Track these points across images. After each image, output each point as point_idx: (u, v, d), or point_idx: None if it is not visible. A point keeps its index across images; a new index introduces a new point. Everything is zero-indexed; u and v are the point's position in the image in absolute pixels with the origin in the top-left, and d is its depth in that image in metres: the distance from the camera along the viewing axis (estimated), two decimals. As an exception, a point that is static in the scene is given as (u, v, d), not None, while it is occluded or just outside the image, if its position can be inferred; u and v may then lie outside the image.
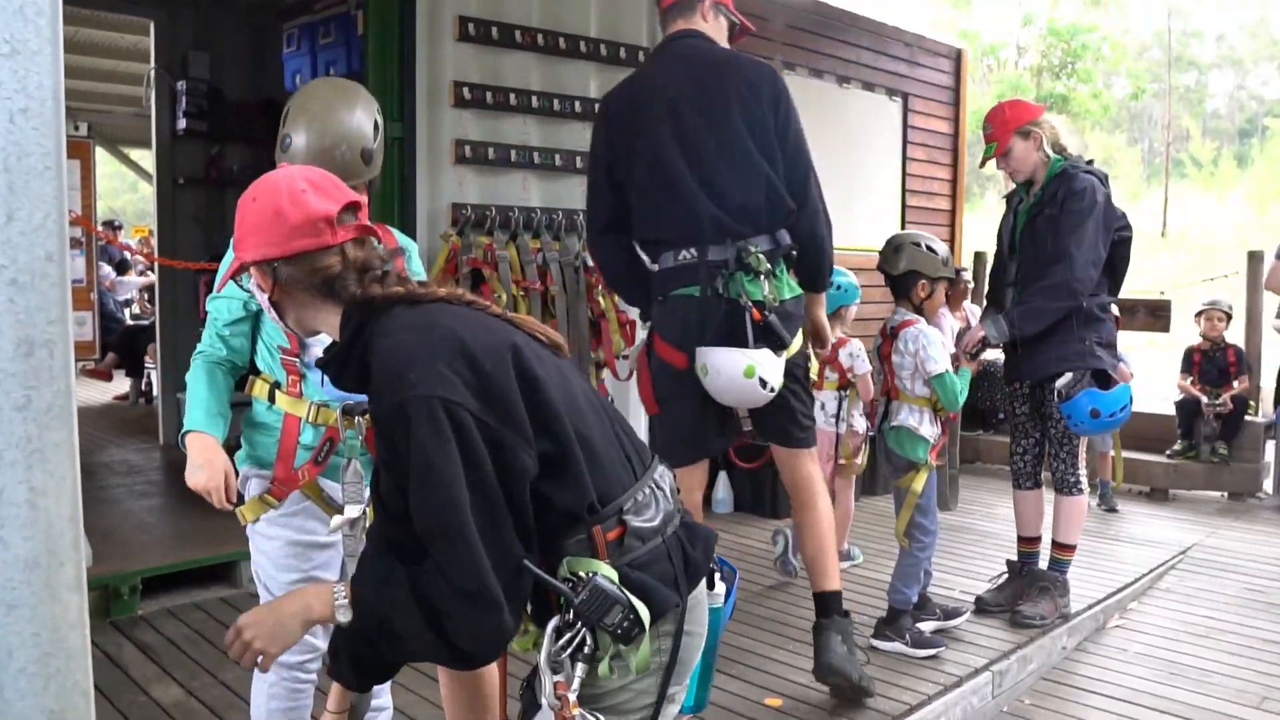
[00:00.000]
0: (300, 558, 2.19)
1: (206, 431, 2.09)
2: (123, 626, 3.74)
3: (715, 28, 3.26)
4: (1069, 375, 3.70)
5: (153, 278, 8.38)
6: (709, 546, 1.62)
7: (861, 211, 6.86)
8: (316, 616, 1.56)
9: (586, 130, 4.22)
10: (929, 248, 3.60)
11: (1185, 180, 29.36)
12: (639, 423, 4.41)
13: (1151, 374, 7.60)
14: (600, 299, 4.66)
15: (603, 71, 5.11)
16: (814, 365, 4.47)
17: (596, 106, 4.48)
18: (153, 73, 6.38)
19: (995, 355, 4.53)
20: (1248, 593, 4.57)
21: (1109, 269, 3.78)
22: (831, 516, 3.27)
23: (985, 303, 4.17)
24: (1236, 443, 6.33)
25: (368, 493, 1.91)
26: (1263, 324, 6.67)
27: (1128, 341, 6.55)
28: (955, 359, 3.65)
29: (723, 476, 5.65)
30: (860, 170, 6.84)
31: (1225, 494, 6.42)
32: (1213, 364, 6.45)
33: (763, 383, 2.97)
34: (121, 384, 8.83)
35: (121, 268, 10.96)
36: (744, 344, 2.96)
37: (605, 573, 1.45)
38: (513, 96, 4.63)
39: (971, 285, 6.62)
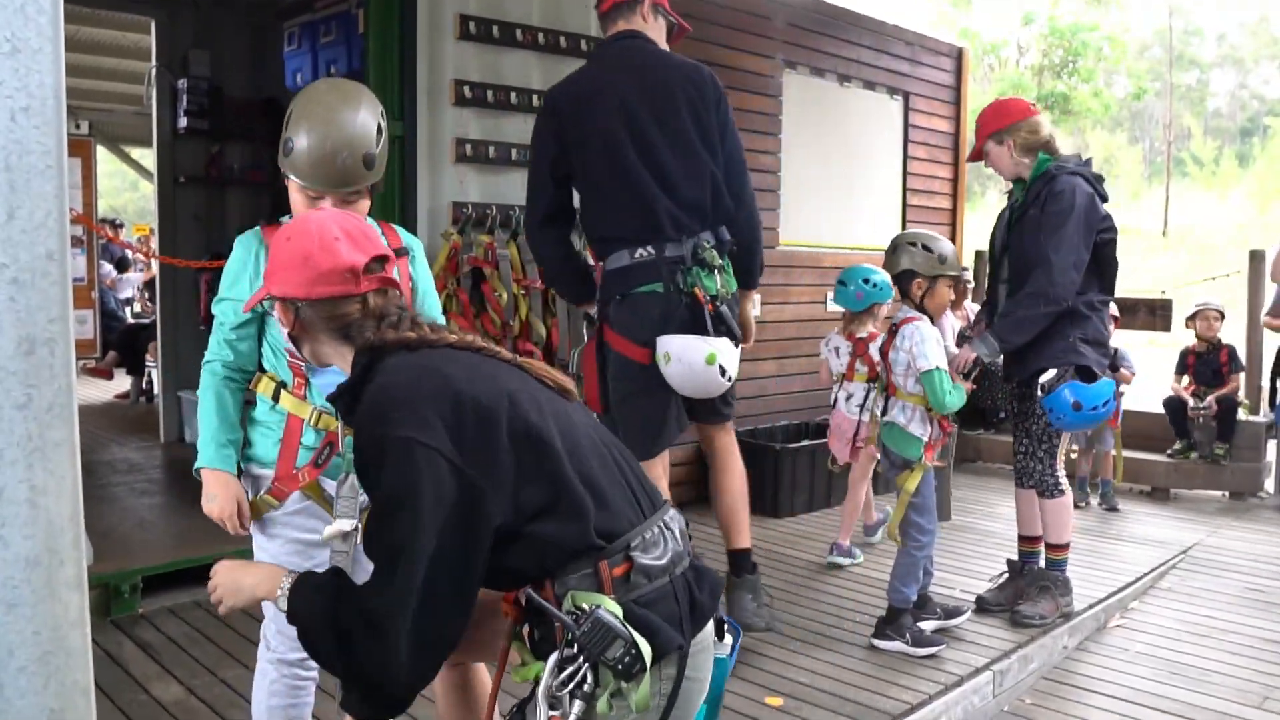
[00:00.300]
0: (302, 555, 2.19)
1: (218, 469, 2.14)
2: (123, 625, 3.74)
3: (655, 28, 3.36)
4: (1052, 371, 3.69)
5: (154, 271, 8.37)
6: (716, 591, 1.62)
7: (862, 210, 6.87)
8: (263, 594, 1.65)
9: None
10: (924, 246, 3.61)
11: (1186, 179, 29.34)
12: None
13: (1152, 373, 7.59)
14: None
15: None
16: (845, 359, 4.65)
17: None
18: (153, 71, 6.39)
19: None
20: (1249, 592, 4.57)
21: (1097, 270, 3.75)
22: (744, 481, 3.57)
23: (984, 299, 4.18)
24: (1236, 442, 6.33)
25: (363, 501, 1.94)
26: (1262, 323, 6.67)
27: (1128, 341, 6.57)
28: (950, 373, 3.64)
29: (723, 475, 5.64)
30: (861, 169, 6.84)
31: (1226, 493, 6.42)
32: (1206, 365, 6.45)
33: (722, 370, 3.13)
34: (122, 382, 8.83)
35: (121, 265, 10.97)
36: (704, 333, 3.11)
37: (609, 607, 1.45)
38: (513, 95, 4.62)
39: (972, 284, 6.62)
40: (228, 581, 1.74)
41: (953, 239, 7.51)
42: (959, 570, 4.55)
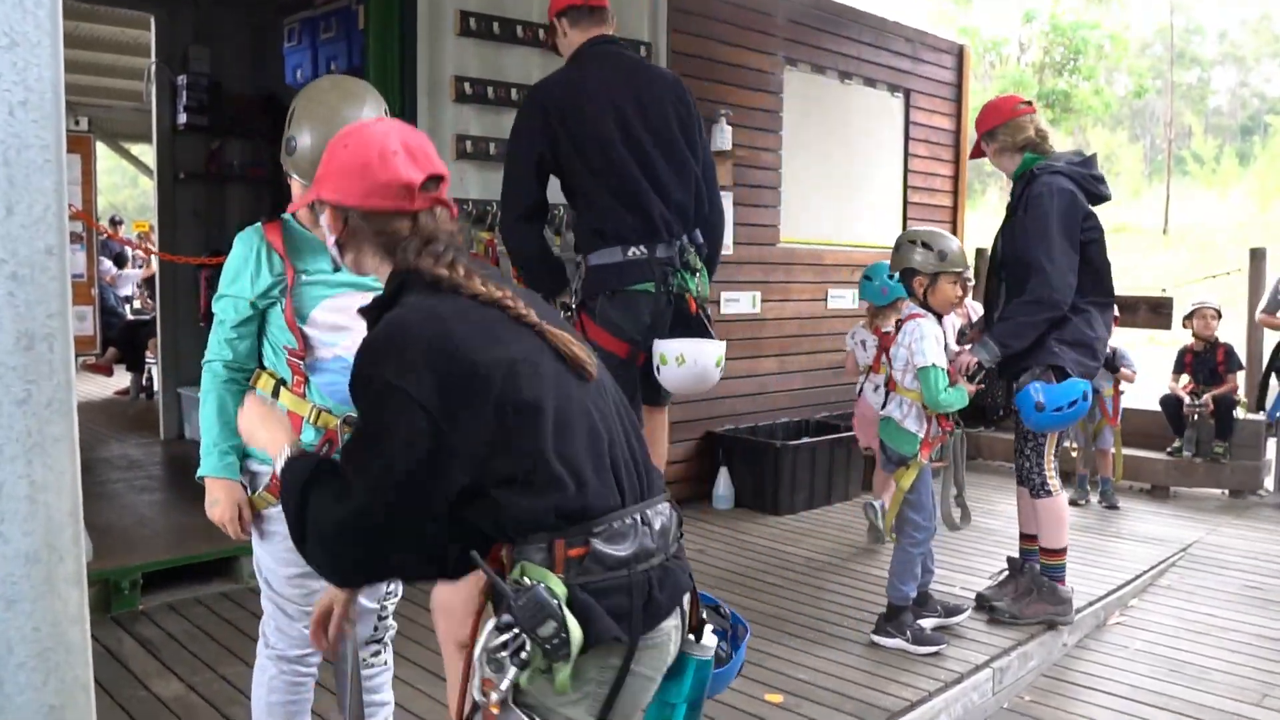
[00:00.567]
0: (299, 553, 2.19)
1: (220, 477, 2.16)
2: (123, 621, 3.74)
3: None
4: (1029, 371, 3.68)
5: (154, 268, 8.37)
6: (676, 593, 1.58)
7: (863, 208, 6.86)
8: (270, 453, 1.74)
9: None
10: (924, 244, 3.61)
11: (1187, 177, 29.33)
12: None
13: (1153, 372, 7.58)
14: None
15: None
16: (871, 351, 4.83)
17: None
18: (153, 67, 6.38)
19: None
20: (1248, 590, 4.57)
21: (1091, 271, 3.71)
22: (665, 458, 3.77)
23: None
24: (1235, 440, 6.33)
25: None
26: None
27: (1129, 339, 6.56)
28: (952, 374, 3.63)
29: (723, 473, 5.65)
30: (862, 167, 6.84)
31: (1226, 491, 6.42)
32: (1204, 364, 6.45)
33: (720, 369, 3.34)
34: (122, 379, 8.83)
35: (120, 261, 10.96)
36: (704, 335, 3.31)
37: (553, 586, 1.46)
38: (514, 92, 4.62)
39: (973, 282, 6.61)
40: (248, 422, 1.83)
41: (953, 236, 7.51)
42: (959, 568, 4.55)
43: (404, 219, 1.61)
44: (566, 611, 1.45)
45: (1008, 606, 3.86)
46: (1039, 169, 3.72)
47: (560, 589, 1.46)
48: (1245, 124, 35.29)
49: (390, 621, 2.38)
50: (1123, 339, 5.88)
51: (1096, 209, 3.76)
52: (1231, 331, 6.64)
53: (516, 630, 1.45)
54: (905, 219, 7.13)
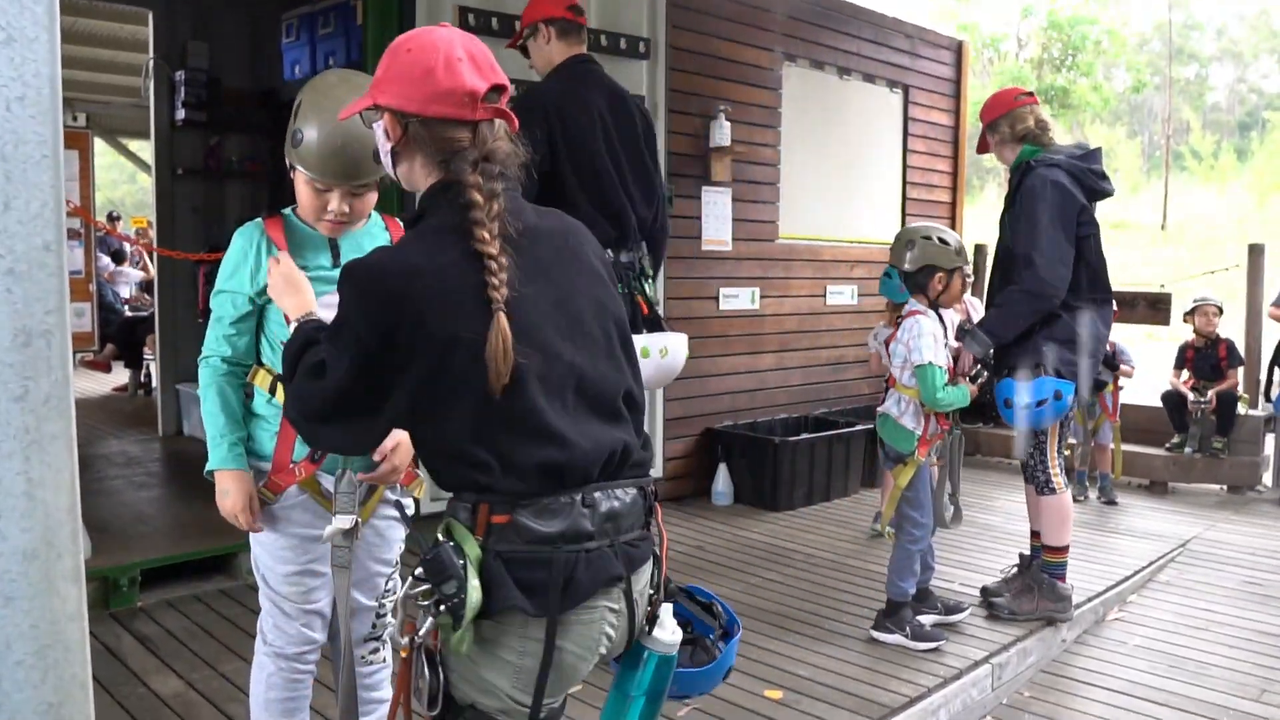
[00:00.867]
0: (297, 550, 2.18)
1: (230, 469, 2.14)
2: (122, 618, 3.74)
3: None
4: (1015, 369, 3.68)
5: (151, 273, 8.36)
6: (598, 576, 1.54)
7: (862, 204, 6.86)
8: (288, 311, 1.93)
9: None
10: (940, 239, 3.59)
11: (1185, 173, 29.36)
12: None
13: (1152, 367, 7.59)
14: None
15: (603, 62, 5.05)
16: (882, 346, 4.73)
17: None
18: (151, 63, 6.37)
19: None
20: (1247, 585, 4.57)
21: (1086, 268, 3.69)
22: None
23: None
24: (1234, 436, 6.34)
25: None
26: (1262, 317, 6.67)
27: (1128, 335, 6.57)
28: (952, 373, 3.63)
29: (722, 469, 5.65)
30: (861, 163, 6.84)
31: (1224, 487, 6.42)
32: (1205, 360, 6.45)
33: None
34: (120, 375, 8.82)
35: (118, 258, 10.95)
36: (657, 332, 3.53)
37: (466, 548, 1.49)
38: (513, 88, 4.60)
39: (972, 278, 6.61)
40: (276, 284, 1.98)
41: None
42: (959, 564, 4.55)
43: (464, 128, 1.57)
44: (471, 574, 1.47)
45: (1007, 603, 3.86)
46: (1036, 161, 3.70)
47: (474, 552, 1.49)
48: (1243, 120, 35.33)
49: (389, 619, 2.38)
50: (1123, 335, 5.89)
51: (1096, 205, 3.75)
52: (1230, 327, 6.65)
53: (427, 584, 1.49)
54: (904, 215, 7.13)
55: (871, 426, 4.40)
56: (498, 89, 1.61)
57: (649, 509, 1.65)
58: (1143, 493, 6.38)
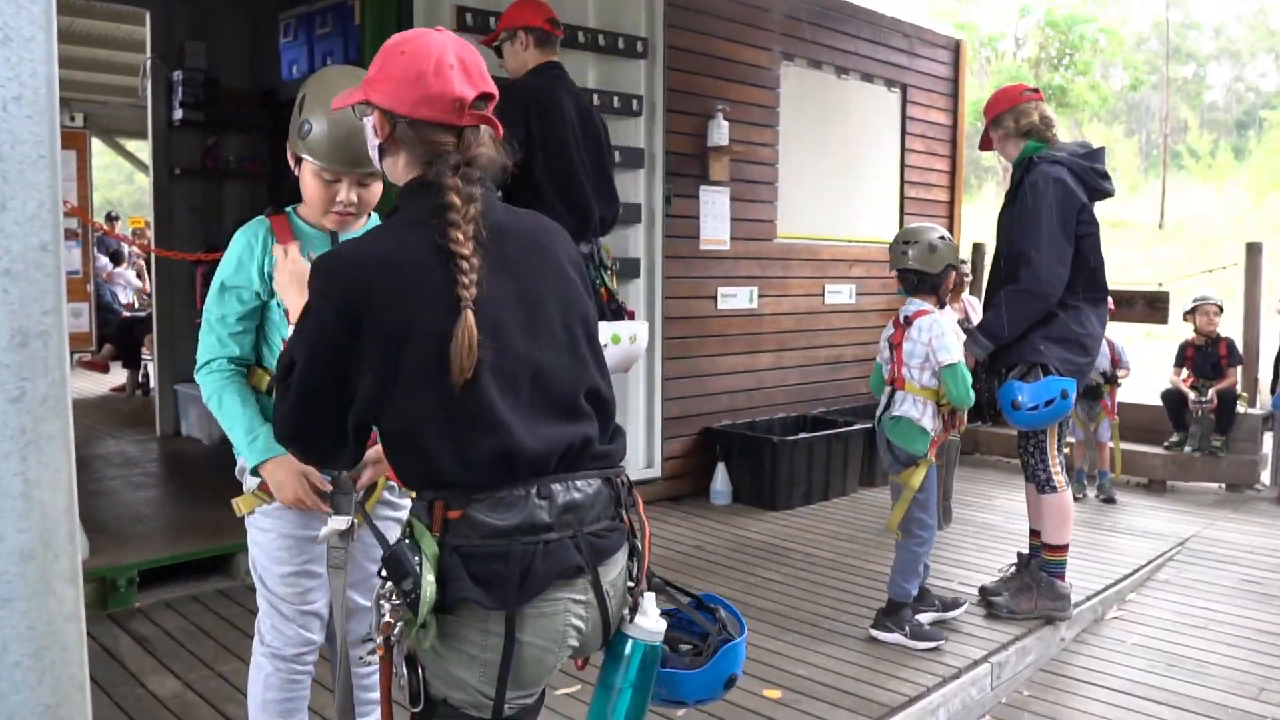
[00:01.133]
0: (293, 551, 2.18)
1: (273, 457, 2.09)
2: (119, 619, 3.73)
3: None
4: (1014, 368, 3.68)
5: (146, 284, 8.34)
6: (554, 568, 1.54)
7: (860, 203, 6.86)
8: (291, 308, 1.97)
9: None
10: (942, 238, 3.62)
11: (1183, 172, 29.40)
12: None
13: (1150, 366, 7.60)
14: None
15: (602, 62, 5.10)
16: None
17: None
18: (149, 63, 6.36)
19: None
20: (1245, 584, 4.58)
21: (1084, 267, 3.67)
22: None
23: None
24: (1233, 434, 6.34)
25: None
26: (1260, 315, 6.67)
27: (1125, 334, 6.57)
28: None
29: (721, 468, 5.64)
30: (859, 162, 6.84)
31: (1223, 485, 6.43)
32: (1205, 358, 6.46)
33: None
34: (118, 375, 8.81)
35: (116, 259, 10.93)
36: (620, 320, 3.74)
37: (424, 545, 1.51)
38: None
39: (970, 278, 6.62)
40: (283, 280, 2.03)
41: (950, 231, 7.51)
42: (956, 563, 4.56)
43: (450, 133, 1.61)
44: (425, 570, 1.49)
45: (1006, 602, 3.86)
46: (1039, 158, 3.69)
47: (430, 548, 1.51)
48: (1240, 118, 35.37)
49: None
50: (1119, 334, 5.89)
51: (1095, 204, 3.74)
52: (1228, 325, 6.65)
53: (389, 582, 1.52)
54: (902, 214, 7.13)
55: (870, 426, 4.39)
56: (486, 97, 1.64)
57: (618, 500, 1.65)
58: (1141, 491, 6.38)
